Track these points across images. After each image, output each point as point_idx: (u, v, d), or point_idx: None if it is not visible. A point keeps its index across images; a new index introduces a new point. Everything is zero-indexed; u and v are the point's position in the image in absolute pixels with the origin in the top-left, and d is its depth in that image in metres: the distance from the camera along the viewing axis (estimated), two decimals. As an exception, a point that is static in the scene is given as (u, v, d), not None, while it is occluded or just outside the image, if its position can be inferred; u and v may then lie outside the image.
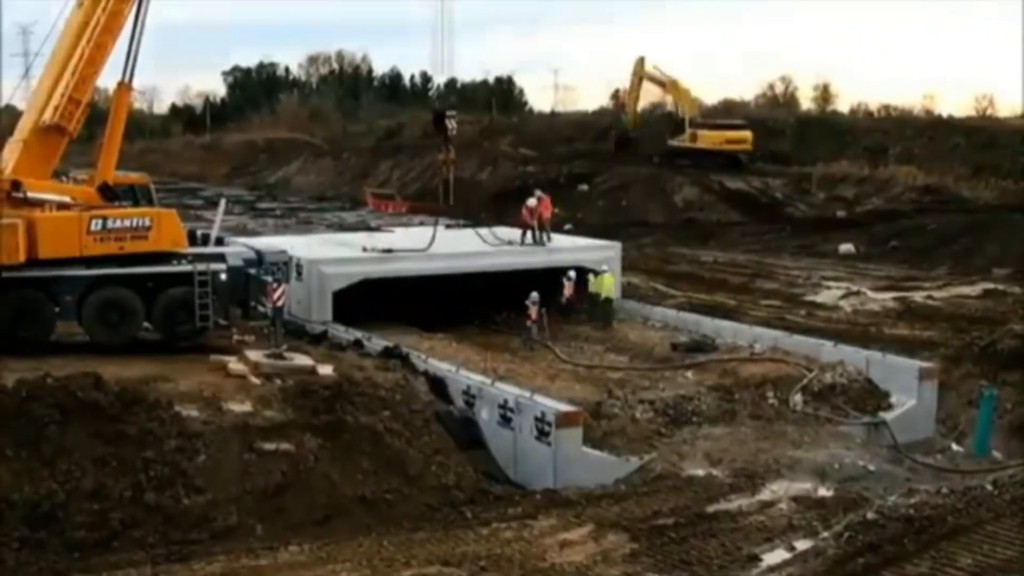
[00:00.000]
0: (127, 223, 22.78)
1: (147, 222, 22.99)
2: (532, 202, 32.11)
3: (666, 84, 73.52)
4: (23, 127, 23.25)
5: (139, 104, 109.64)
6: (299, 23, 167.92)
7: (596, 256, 32.11)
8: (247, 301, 24.08)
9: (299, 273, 28.07)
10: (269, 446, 17.96)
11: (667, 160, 68.24)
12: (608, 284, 29.91)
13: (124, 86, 24.20)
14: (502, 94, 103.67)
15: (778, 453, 19.95)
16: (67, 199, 22.95)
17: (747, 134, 68.52)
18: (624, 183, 61.01)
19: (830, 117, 76.97)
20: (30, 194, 22.40)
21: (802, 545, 15.54)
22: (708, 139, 67.77)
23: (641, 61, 74.15)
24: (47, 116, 22.84)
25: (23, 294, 22.02)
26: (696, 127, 69.03)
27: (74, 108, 22.86)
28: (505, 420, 20.78)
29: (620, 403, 22.00)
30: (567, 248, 33.07)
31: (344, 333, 26.34)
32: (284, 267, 25.21)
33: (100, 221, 22.51)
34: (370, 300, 28.18)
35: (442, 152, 34.35)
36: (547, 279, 29.99)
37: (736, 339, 27.74)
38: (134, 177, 26.22)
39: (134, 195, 24.53)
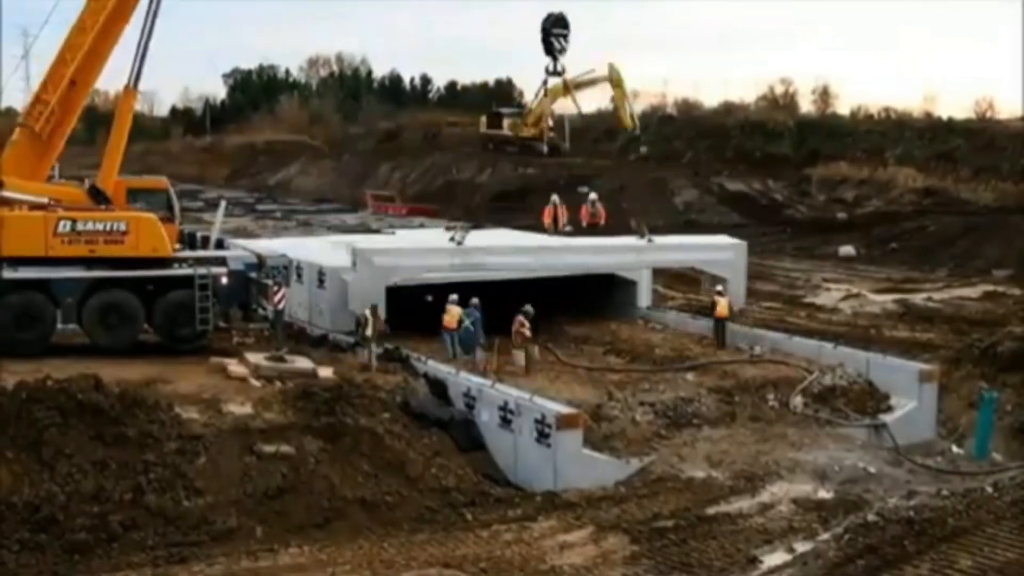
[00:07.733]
0: (99, 226, 22.48)
1: (123, 226, 22.61)
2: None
3: None
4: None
5: (139, 106, 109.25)
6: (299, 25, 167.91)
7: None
8: (248, 304, 24.09)
9: (299, 276, 28.00)
10: (269, 448, 18.00)
11: None
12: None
13: (129, 90, 24.19)
14: (501, 96, 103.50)
15: (778, 455, 19.97)
16: (44, 200, 22.76)
17: None
18: (624, 185, 60.94)
19: (830, 119, 76.68)
20: (5, 192, 22.40)
21: (802, 547, 15.58)
22: None
23: None
24: (22, 115, 23.32)
25: (24, 297, 22.03)
26: None
27: (42, 108, 22.85)
28: (505, 422, 20.77)
29: (620, 405, 21.99)
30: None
31: (344, 335, 26.22)
32: (285, 270, 25.23)
33: (69, 223, 22.28)
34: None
35: None
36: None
37: (736, 341, 27.73)
38: (151, 181, 26.15)
39: (154, 200, 24.18)
